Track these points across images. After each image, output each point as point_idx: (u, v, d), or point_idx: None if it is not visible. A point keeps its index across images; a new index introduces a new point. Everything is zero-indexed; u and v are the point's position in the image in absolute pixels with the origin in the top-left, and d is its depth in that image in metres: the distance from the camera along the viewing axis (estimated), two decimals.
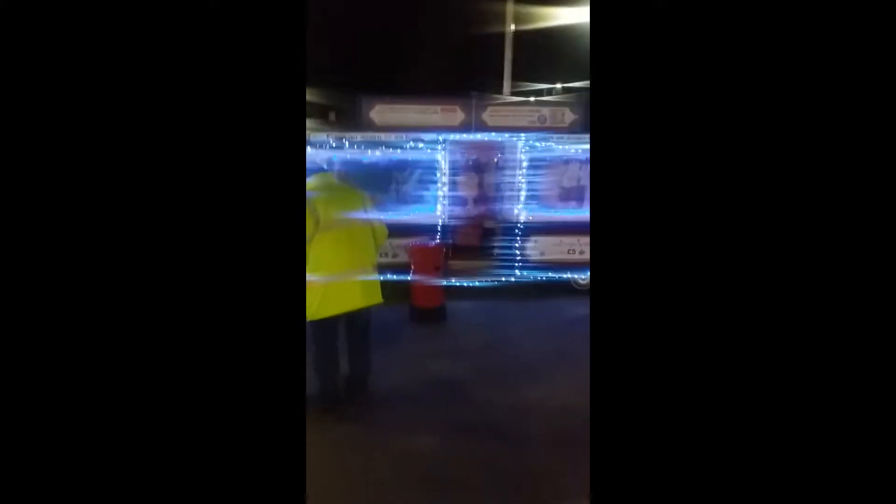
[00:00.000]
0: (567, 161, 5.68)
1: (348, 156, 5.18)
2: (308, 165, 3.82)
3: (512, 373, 3.51)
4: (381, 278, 3.09)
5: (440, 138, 5.39)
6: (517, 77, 9.18)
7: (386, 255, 5.03)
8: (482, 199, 6.15)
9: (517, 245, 5.60)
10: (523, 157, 5.54)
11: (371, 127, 5.30)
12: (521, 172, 5.56)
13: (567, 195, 5.75)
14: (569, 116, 5.70)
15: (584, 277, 5.76)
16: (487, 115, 5.53)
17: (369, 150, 5.31)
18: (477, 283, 5.49)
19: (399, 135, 5.32)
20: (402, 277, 4.92)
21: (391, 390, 3.19)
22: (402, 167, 5.51)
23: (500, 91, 8.77)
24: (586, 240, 5.53)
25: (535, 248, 5.65)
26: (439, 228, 5.51)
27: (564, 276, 5.69)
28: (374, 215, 3.05)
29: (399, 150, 5.39)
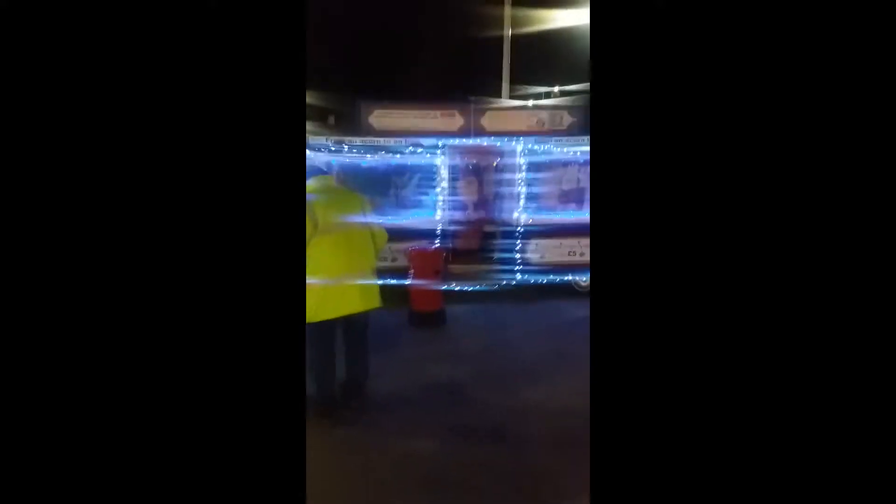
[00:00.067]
0: (566, 163, 5.69)
1: (347, 160, 5.20)
2: (307, 168, 3.83)
3: (512, 375, 3.50)
4: (381, 282, 3.09)
5: (439, 143, 5.41)
6: (516, 80, 9.20)
7: (385, 259, 5.04)
8: (482, 203, 6.16)
9: (517, 248, 5.61)
10: (522, 160, 5.55)
11: (370, 131, 5.33)
12: (520, 176, 5.57)
13: (566, 197, 5.76)
14: (567, 119, 5.72)
15: (584, 279, 5.76)
16: (486, 120, 5.56)
17: (368, 155, 5.33)
18: (477, 287, 5.49)
19: (398, 140, 5.34)
20: (401, 282, 4.92)
21: (390, 394, 3.18)
22: (402, 172, 5.53)
23: (498, 94, 8.79)
24: (586, 241, 5.53)
25: (535, 250, 5.66)
26: (439, 232, 5.52)
27: (565, 278, 5.68)
28: (374, 219, 3.05)
29: (398, 155, 5.41)
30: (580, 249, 5.63)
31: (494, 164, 6.13)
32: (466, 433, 2.72)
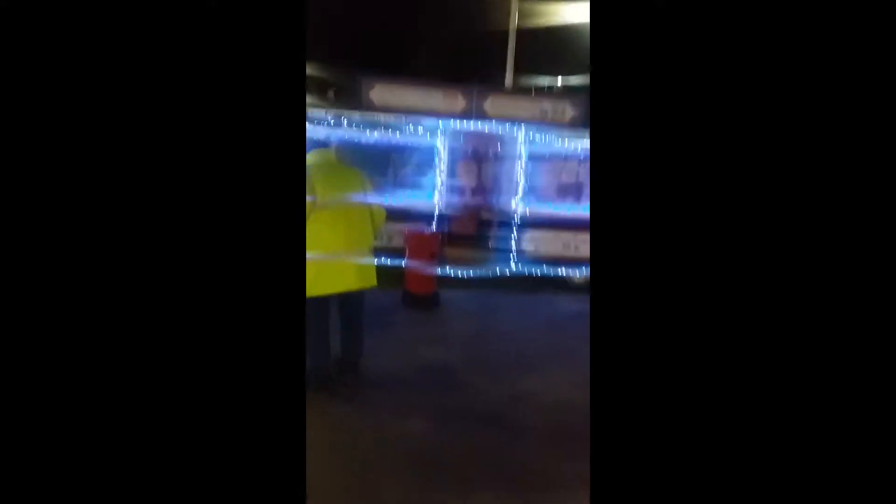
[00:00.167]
0: (566, 157, 5.65)
1: (346, 135, 5.08)
2: (306, 141, 3.72)
3: (502, 362, 3.51)
4: (377, 262, 3.03)
5: (440, 124, 5.31)
6: (519, 71, 9.14)
7: (381, 238, 4.96)
8: (480, 189, 6.09)
9: (513, 238, 5.56)
10: (523, 149, 5.49)
11: (370, 107, 5.19)
12: (520, 165, 5.51)
13: (565, 191, 5.72)
14: (569, 111, 5.66)
15: (578, 274, 5.74)
16: (489, 105, 5.46)
17: (368, 131, 5.20)
18: (471, 274, 5.43)
19: (398, 117, 5.23)
20: (395, 262, 4.84)
21: (382, 373, 3.16)
22: (400, 151, 5.43)
23: (502, 83, 8.73)
24: (583, 236, 5.52)
25: (531, 242, 5.62)
26: (435, 216, 5.44)
27: (559, 271, 5.66)
28: (373, 197, 2.98)
29: (398, 133, 5.30)
30: (575, 244, 5.61)
31: (495, 151, 6.05)
32: (456, 416, 2.72)
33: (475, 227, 6.01)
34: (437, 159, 5.41)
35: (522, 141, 5.48)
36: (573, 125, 5.60)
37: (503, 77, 8.85)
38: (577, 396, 2.95)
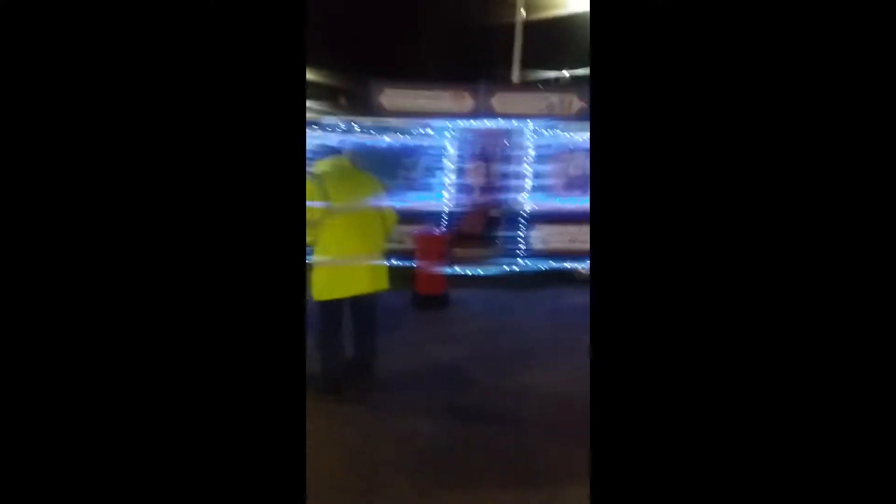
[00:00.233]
0: (573, 150, 5.66)
1: (357, 140, 5.17)
2: (318, 148, 3.80)
3: (513, 360, 3.54)
4: (388, 264, 3.10)
5: (448, 125, 5.37)
6: (526, 65, 9.09)
7: (392, 240, 5.04)
8: (488, 187, 6.13)
9: (521, 234, 5.61)
10: (530, 145, 5.52)
11: (380, 111, 5.28)
12: (527, 161, 5.54)
13: (572, 184, 5.73)
14: (576, 104, 5.66)
15: (585, 267, 5.76)
16: (496, 102, 5.50)
17: (378, 135, 5.29)
18: (480, 272, 5.51)
19: (408, 120, 5.30)
20: (406, 264, 4.93)
21: (393, 374, 3.22)
22: (410, 153, 5.50)
23: (508, 79, 8.70)
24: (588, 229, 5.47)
25: (539, 236, 5.66)
26: (445, 216, 5.51)
27: (567, 265, 5.69)
28: (385, 201, 3.05)
29: (408, 136, 5.38)
30: (583, 237, 5.62)
31: (502, 148, 6.09)
32: (467, 414, 2.76)
33: (484, 225, 6.07)
34: (445, 160, 5.48)
35: (531, 136, 5.51)
36: (580, 117, 5.60)
37: (510, 72, 8.82)
38: (587, 391, 2.96)
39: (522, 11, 8.64)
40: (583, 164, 5.70)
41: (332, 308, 2.87)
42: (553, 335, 4.07)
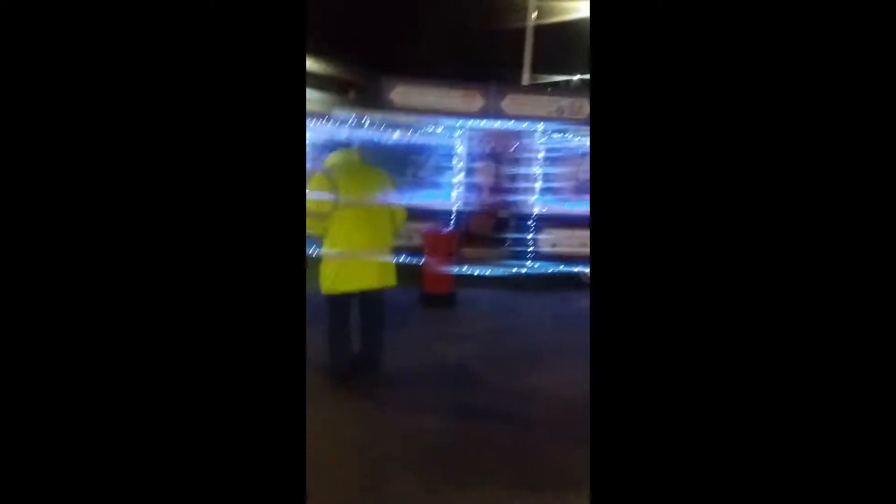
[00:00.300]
0: (583, 153, 5.63)
1: (368, 135, 5.15)
2: (328, 142, 3.77)
3: (518, 360, 3.52)
4: (396, 260, 3.07)
5: (458, 124, 5.35)
6: (536, 68, 9.09)
7: (400, 237, 5.02)
8: (497, 188, 6.11)
9: (530, 236, 5.57)
10: (541, 146, 5.49)
11: (391, 107, 5.25)
12: (537, 163, 5.52)
13: (582, 188, 5.70)
14: (586, 108, 5.63)
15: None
16: (507, 103, 5.47)
17: (388, 131, 5.27)
18: (488, 273, 5.47)
19: (418, 117, 5.27)
20: (414, 261, 4.90)
21: (400, 370, 3.20)
22: (419, 151, 5.48)
23: (518, 82, 8.69)
24: None
25: (548, 240, 5.62)
26: (453, 215, 5.48)
27: (575, 269, 5.66)
28: (394, 197, 3.03)
29: (418, 133, 5.36)
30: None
31: (512, 149, 6.06)
32: (472, 412, 2.74)
33: (492, 225, 6.04)
34: (455, 158, 5.45)
35: (540, 138, 5.49)
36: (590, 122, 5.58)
37: (520, 75, 8.81)
38: (587, 391, 2.94)
39: (533, 15, 8.65)
40: None
41: (340, 302, 2.86)
42: (559, 338, 4.04)
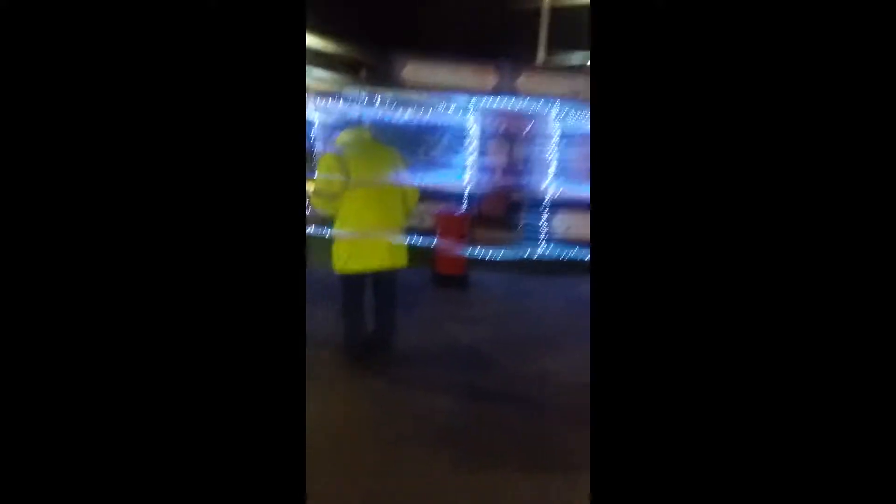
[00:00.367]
0: None
1: (379, 114, 5.07)
2: (339, 121, 3.72)
3: (531, 344, 3.50)
4: (408, 241, 3.04)
5: (471, 103, 5.23)
6: (552, 47, 8.89)
7: (411, 218, 4.97)
8: (511, 169, 6.00)
9: (543, 219, 5.49)
10: (556, 127, 5.37)
11: (403, 85, 5.15)
12: (552, 145, 5.40)
13: None
14: None
15: None
16: (521, 81, 5.34)
17: (400, 109, 5.17)
18: (500, 255, 5.41)
19: (431, 95, 5.17)
20: (426, 243, 4.85)
21: (412, 350, 3.21)
22: (432, 130, 5.38)
23: (534, 61, 8.51)
24: None
25: (562, 223, 5.54)
26: (465, 196, 5.41)
27: (587, 256, 5.57)
28: (405, 177, 2.98)
29: (430, 111, 5.25)
30: None
31: (526, 129, 5.93)
32: (482, 393, 2.74)
33: (505, 208, 5.95)
34: (467, 138, 5.35)
35: (555, 119, 5.36)
36: None
37: (535, 54, 8.63)
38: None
39: None
40: None
41: (354, 281, 2.85)
42: (572, 322, 4.00)
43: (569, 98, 5.39)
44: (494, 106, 5.40)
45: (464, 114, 5.30)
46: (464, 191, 5.42)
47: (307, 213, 2.12)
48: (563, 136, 5.41)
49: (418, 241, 4.82)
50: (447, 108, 5.26)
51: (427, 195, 4.00)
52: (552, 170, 5.45)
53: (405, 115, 5.21)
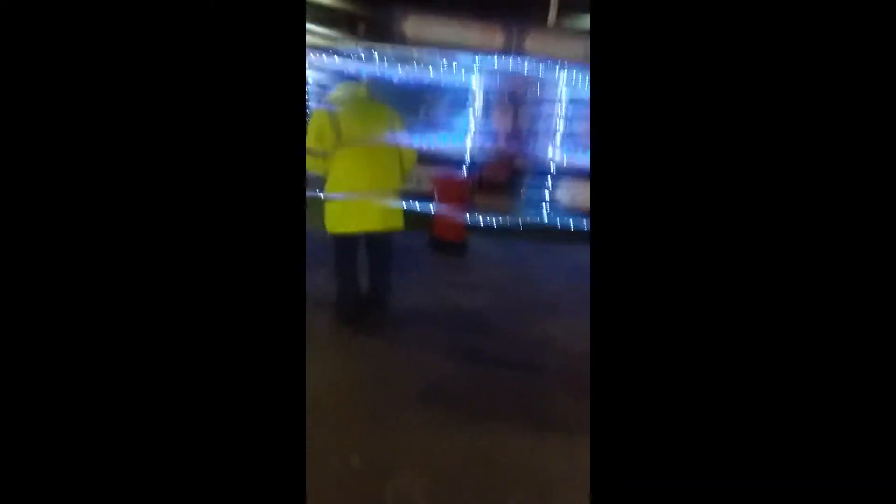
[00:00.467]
0: None
1: (377, 70, 4.84)
2: (334, 77, 3.54)
3: (530, 310, 3.48)
4: (403, 205, 2.93)
5: (476, 61, 4.98)
6: (563, 10, 8.55)
7: (408, 180, 4.83)
8: (515, 134, 5.80)
9: (547, 187, 5.33)
10: (563, 92, 5.15)
11: (403, 40, 4.90)
12: (559, 109, 5.19)
13: None
14: None
15: None
16: (529, 42, 5.09)
17: (400, 66, 4.94)
18: (500, 222, 5.28)
19: (432, 52, 4.92)
20: (424, 207, 4.72)
21: (408, 312, 3.20)
22: (433, 90, 5.16)
23: (544, 22, 8.18)
24: None
25: (566, 191, 5.38)
26: (466, 160, 5.23)
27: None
28: (403, 138, 2.83)
29: (431, 69, 5.01)
30: None
31: (533, 92, 5.70)
32: (480, 356, 2.73)
33: (508, 174, 5.78)
34: (470, 100, 5.13)
35: (563, 83, 5.13)
36: None
37: (545, 14, 8.29)
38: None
39: None
40: None
41: (346, 242, 2.77)
42: (572, 290, 3.95)
43: (578, 62, 5.15)
44: (500, 67, 5.15)
45: (467, 74, 5.06)
46: (465, 155, 5.24)
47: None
48: (570, 101, 5.19)
49: (416, 205, 4.69)
50: (450, 67, 5.01)
51: (426, 158, 3.85)
52: (558, 137, 5.25)
53: (405, 73, 4.97)
